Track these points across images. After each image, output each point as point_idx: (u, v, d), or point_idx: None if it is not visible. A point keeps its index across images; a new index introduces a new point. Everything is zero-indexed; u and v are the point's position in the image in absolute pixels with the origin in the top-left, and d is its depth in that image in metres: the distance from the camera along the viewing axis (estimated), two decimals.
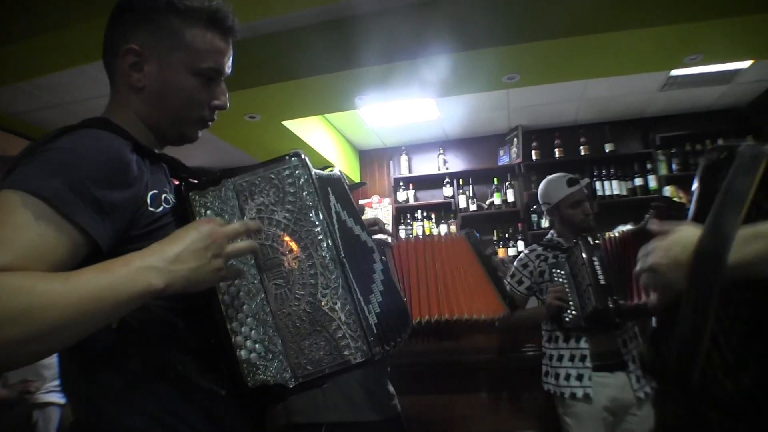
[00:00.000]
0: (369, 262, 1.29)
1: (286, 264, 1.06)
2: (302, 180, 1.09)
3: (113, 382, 0.99)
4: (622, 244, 2.47)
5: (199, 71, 1.13)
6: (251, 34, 3.79)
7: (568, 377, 2.58)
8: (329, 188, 1.19)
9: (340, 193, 1.25)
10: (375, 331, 1.09)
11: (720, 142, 5.58)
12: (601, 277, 2.41)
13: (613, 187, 5.71)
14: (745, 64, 4.72)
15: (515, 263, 2.92)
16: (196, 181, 1.09)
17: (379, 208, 6.11)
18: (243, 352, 1.01)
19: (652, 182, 5.67)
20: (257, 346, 1.02)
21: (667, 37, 3.55)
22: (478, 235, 2.27)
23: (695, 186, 1.05)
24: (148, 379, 1.00)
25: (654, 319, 1.07)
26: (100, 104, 1.15)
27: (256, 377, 1.01)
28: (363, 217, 1.39)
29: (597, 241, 2.50)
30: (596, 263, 2.44)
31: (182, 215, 1.05)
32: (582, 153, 5.91)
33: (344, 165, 5.89)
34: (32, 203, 0.86)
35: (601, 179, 5.74)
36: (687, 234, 0.96)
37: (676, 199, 2.51)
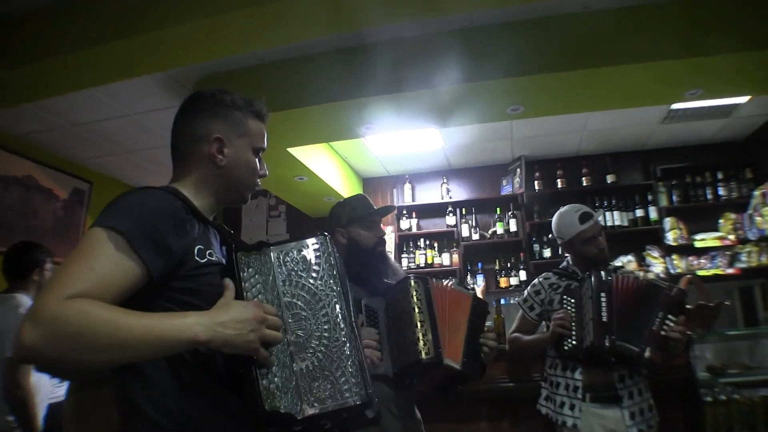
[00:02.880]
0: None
1: (306, 318, 1.31)
2: (326, 254, 1.37)
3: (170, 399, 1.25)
4: (634, 289, 2.49)
5: (256, 150, 1.53)
6: (259, 62, 3.87)
7: (562, 405, 2.60)
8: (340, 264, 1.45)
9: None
10: (369, 390, 1.32)
11: (719, 174, 5.67)
12: (604, 314, 2.42)
13: (614, 218, 5.77)
14: (744, 98, 4.80)
15: (528, 288, 2.92)
16: (243, 243, 1.37)
17: None
18: (264, 382, 1.23)
19: (653, 213, 5.73)
20: (276, 379, 1.24)
21: (668, 72, 3.61)
22: (486, 303, 2.31)
23: None
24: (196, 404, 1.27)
25: None
26: (102, 126, 1.37)
27: (272, 403, 1.22)
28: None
29: (609, 278, 2.50)
30: (603, 299, 2.44)
31: (230, 268, 1.32)
32: (584, 183, 5.98)
33: (348, 192, 5.93)
34: (113, 237, 1.18)
35: (603, 210, 5.80)
36: None
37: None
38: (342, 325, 1.31)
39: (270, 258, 1.34)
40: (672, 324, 2.35)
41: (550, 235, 5.46)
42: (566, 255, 2.93)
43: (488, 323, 2.46)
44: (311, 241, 1.37)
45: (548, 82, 3.69)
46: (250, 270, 1.32)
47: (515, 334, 2.88)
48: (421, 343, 1.99)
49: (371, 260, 2.37)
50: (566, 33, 3.58)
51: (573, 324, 2.55)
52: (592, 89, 3.83)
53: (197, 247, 1.31)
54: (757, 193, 5.26)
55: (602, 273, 2.53)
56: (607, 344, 2.37)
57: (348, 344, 1.30)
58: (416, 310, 2.07)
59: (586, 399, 2.55)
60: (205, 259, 1.32)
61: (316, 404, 1.24)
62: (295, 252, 1.35)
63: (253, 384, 1.22)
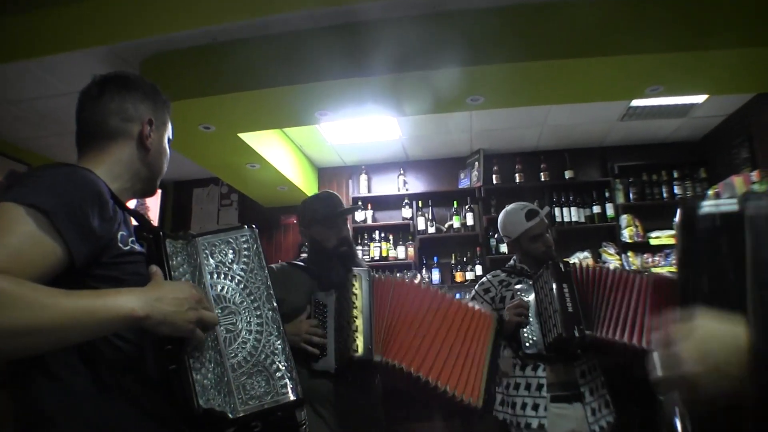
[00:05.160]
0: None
1: (236, 313, 1.26)
2: (254, 248, 1.35)
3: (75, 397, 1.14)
4: (592, 277, 2.46)
5: (169, 141, 1.54)
6: (211, 41, 3.68)
7: (524, 406, 2.52)
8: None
9: None
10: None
11: (675, 173, 5.72)
12: (569, 304, 2.36)
13: (571, 214, 5.78)
14: (701, 99, 4.87)
15: (477, 287, 2.86)
16: (171, 233, 1.32)
17: None
18: (198, 376, 1.16)
19: (610, 210, 5.76)
20: (209, 375, 1.18)
21: (630, 67, 3.59)
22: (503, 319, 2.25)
23: (678, 252, 0.92)
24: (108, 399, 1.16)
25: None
26: (42, 105, 1.24)
27: (207, 401, 1.14)
28: None
29: (568, 269, 2.47)
30: (566, 290, 2.40)
31: (157, 256, 1.25)
32: (542, 179, 5.97)
33: (302, 182, 5.78)
34: (33, 214, 1.06)
35: (560, 206, 5.81)
36: (713, 329, 0.78)
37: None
38: (272, 320, 1.28)
39: (197, 249, 1.30)
40: None
41: None
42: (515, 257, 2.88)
43: None
44: (240, 233, 1.35)
45: (509, 72, 3.61)
46: (178, 259, 1.28)
47: None
48: (356, 339, 1.91)
49: (333, 260, 2.30)
50: (529, 23, 3.51)
51: (531, 319, 2.49)
52: (554, 82, 3.77)
53: (120, 234, 1.24)
54: (710, 192, 5.33)
55: (560, 264, 2.49)
56: (577, 334, 2.30)
57: (280, 339, 1.27)
58: (354, 304, 1.99)
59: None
60: (128, 247, 1.25)
61: (251, 402, 1.18)
62: (223, 244, 1.33)
63: (186, 379, 1.14)
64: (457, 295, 5.33)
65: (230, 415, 1.15)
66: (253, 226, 1.38)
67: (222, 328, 1.23)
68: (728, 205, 0.85)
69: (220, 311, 1.24)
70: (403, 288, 2.15)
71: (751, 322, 0.74)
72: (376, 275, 2.13)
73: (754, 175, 4.71)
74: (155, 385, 1.20)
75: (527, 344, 2.48)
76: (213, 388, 1.17)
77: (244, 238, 1.34)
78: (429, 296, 2.18)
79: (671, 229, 5.61)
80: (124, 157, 1.39)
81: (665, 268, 5.40)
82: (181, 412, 1.15)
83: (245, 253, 1.32)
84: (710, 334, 0.79)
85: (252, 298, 1.28)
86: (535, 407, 2.49)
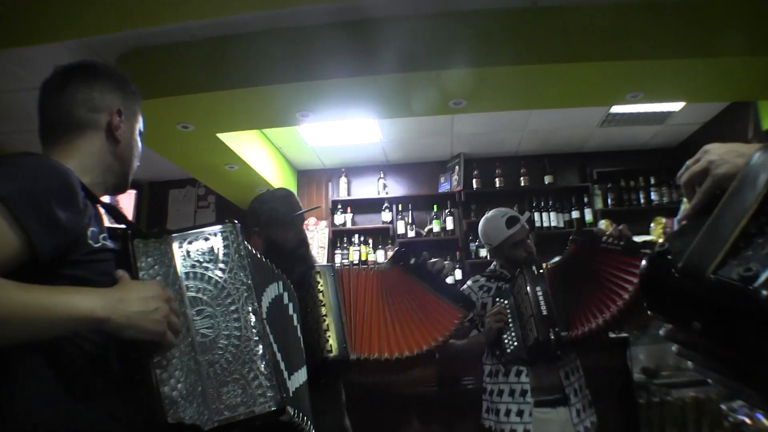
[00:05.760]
0: (300, 347, 1.57)
1: (211, 315, 1.17)
2: (235, 244, 1.26)
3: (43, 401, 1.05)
4: (564, 274, 2.45)
5: (140, 133, 1.47)
6: (190, 38, 3.62)
7: (508, 413, 2.50)
8: (264, 268, 1.41)
9: (288, 288, 1.60)
10: (290, 393, 1.28)
11: (652, 179, 5.80)
12: (543, 307, 2.36)
13: (550, 219, 5.81)
14: (678, 106, 4.94)
15: None
16: (141, 230, 1.24)
17: (315, 231, 5.97)
18: (166, 389, 1.09)
19: (588, 215, 5.80)
20: (180, 385, 1.10)
21: (611, 73, 3.61)
22: (403, 249, 2.18)
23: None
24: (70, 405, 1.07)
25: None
26: (14, 99, 1.16)
27: (176, 414, 1.08)
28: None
29: (541, 271, 2.47)
30: (539, 293, 2.40)
31: (125, 257, 1.17)
32: (522, 184, 5.99)
33: (281, 184, 5.72)
34: None
35: (539, 210, 5.83)
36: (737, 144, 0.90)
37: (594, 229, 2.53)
38: (253, 323, 1.19)
39: (172, 247, 1.22)
40: (612, 240, 2.28)
41: None
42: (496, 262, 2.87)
43: None
44: (218, 229, 1.27)
45: (492, 76, 3.62)
46: (148, 260, 1.19)
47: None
48: (328, 339, 1.86)
49: (290, 263, 2.15)
50: (513, 28, 3.51)
51: (510, 324, 2.48)
52: (537, 86, 3.78)
53: (91, 229, 1.15)
54: (686, 199, 5.36)
55: (533, 268, 2.48)
56: (552, 336, 2.30)
57: (261, 343, 1.19)
58: (322, 302, 1.93)
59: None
60: (100, 244, 1.16)
61: (226, 412, 1.11)
62: (200, 241, 1.24)
63: (152, 391, 1.08)
64: None
65: (203, 427, 1.09)
66: (235, 221, 1.29)
67: (198, 333, 1.15)
68: None
69: (195, 314, 1.17)
70: (365, 278, 2.10)
71: None
72: (338, 267, 2.08)
73: None
74: (126, 389, 1.13)
75: (508, 350, 2.47)
76: (184, 399, 1.10)
77: (223, 235, 1.26)
78: (394, 279, 2.13)
79: (648, 234, 5.67)
80: (94, 149, 1.32)
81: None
82: (151, 424, 1.09)
83: (224, 251, 1.23)
84: (740, 144, 0.91)
85: (230, 300, 1.19)
86: (520, 413, 2.47)
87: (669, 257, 0.82)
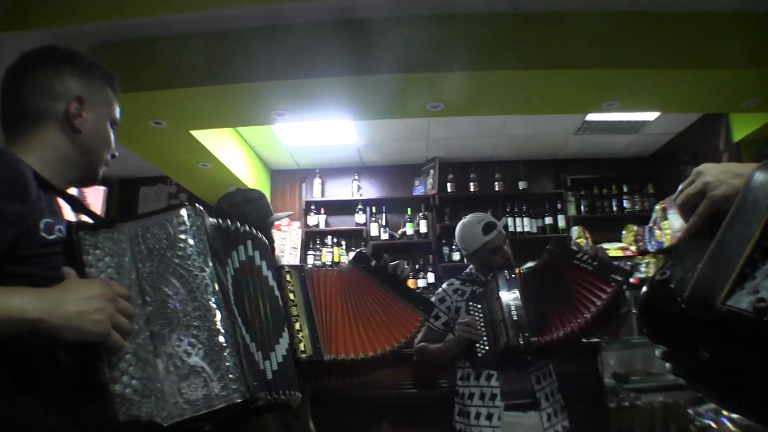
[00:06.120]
0: (280, 317, 1.45)
1: (171, 305, 1.10)
2: (194, 229, 1.16)
3: None
4: (536, 282, 2.45)
5: (113, 122, 1.38)
6: (166, 33, 3.55)
7: (478, 416, 2.49)
8: (229, 237, 1.30)
9: (260, 245, 1.43)
10: (267, 377, 1.20)
11: (625, 187, 5.87)
12: (514, 312, 2.36)
13: (524, 224, 5.84)
14: (652, 116, 5.01)
15: (433, 298, 2.82)
16: (88, 222, 1.16)
17: (288, 232, 5.91)
18: (118, 387, 1.03)
19: (561, 222, 5.86)
20: (134, 382, 1.04)
21: (589, 81, 3.65)
22: (363, 251, 2.16)
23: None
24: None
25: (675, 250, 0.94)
26: None
27: (128, 412, 1.02)
28: None
29: (513, 276, 2.46)
30: (510, 298, 2.39)
31: (71, 253, 1.09)
32: (496, 189, 6.02)
33: (255, 184, 5.66)
34: None
35: (513, 216, 5.86)
36: (734, 164, 0.89)
37: (574, 246, 2.53)
38: (215, 312, 1.11)
39: (126, 236, 1.13)
40: (586, 258, 2.28)
41: None
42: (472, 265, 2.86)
43: None
44: (178, 214, 1.17)
45: (471, 80, 3.63)
46: (97, 252, 1.11)
47: (422, 344, 2.76)
48: (301, 339, 1.82)
49: None
50: (493, 32, 3.53)
51: (482, 328, 2.47)
52: (515, 92, 3.80)
53: (44, 221, 1.10)
54: (657, 207, 5.46)
55: (506, 272, 2.48)
56: (521, 342, 2.29)
57: (224, 333, 1.11)
58: (293, 302, 1.89)
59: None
60: (54, 236, 1.11)
61: (186, 406, 1.05)
62: (157, 228, 1.15)
63: (104, 390, 1.01)
64: None
65: (161, 423, 1.03)
66: (196, 204, 1.20)
67: (156, 324, 1.09)
68: None
69: (154, 306, 1.10)
70: (331, 278, 2.07)
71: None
72: (308, 267, 2.06)
73: None
74: (79, 387, 1.08)
75: (479, 354, 2.46)
76: (140, 395, 1.04)
77: (182, 219, 1.16)
78: (355, 280, 2.11)
79: (619, 241, 5.74)
80: (52, 140, 1.26)
81: None
82: (107, 419, 1.03)
83: (182, 236, 1.14)
84: (734, 163, 0.90)
85: (190, 287, 1.12)
86: (489, 417, 2.46)
87: (671, 285, 0.82)
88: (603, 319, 2.24)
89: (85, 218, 1.26)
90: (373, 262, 2.11)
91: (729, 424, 2.73)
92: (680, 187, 0.95)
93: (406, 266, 2.14)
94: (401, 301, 2.05)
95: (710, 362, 0.79)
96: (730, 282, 0.74)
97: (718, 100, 4.13)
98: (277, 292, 1.44)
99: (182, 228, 1.15)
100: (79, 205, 1.24)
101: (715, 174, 0.88)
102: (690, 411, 2.94)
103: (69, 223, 1.15)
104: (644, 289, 0.85)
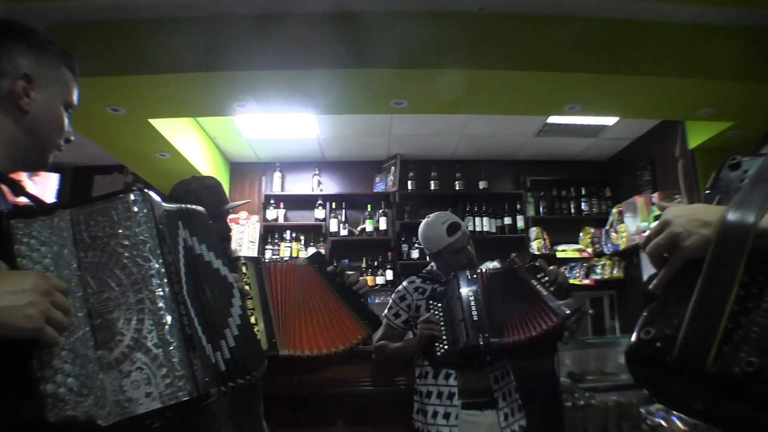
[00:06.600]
0: (228, 297, 1.33)
1: (115, 298, 1.04)
2: (141, 215, 1.09)
3: None
4: (498, 281, 2.46)
5: (67, 104, 1.29)
6: (127, 17, 3.45)
7: (435, 415, 2.49)
8: (180, 222, 1.22)
9: (200, 227, 1.30)
10: (221, 369, 1.13)
11: (583, 190, 5.97)
12: (474, 312, 2.36)
13: (483, 224, 5.88)
14: (611, 121, 5.09)
15: (393, 295, 2.82)
16: (22, 209, 1.07)
17: (246, 225, 5.83)
18: (50, 386, 0.96)
19: (520, 222, 5.92)
20: (69, 380, 0.97)
21: (552, 84, 3.69)
22: (321, 253, 2.14)
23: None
24: None
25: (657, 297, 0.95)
26: None
27: (61, 413, 0.95)
28: None
29: (474, 276, 2.47)
30: (471, 298, 2.40)
31: (2, 242, 1.00)
32: (457, 188, 6.04)
33: (213, 176, 5.55)
34: None
35: (473, 215, 5.90)
36: (705, 204, 0.91)
37: (538, 263, 2.58)
38: (161, 304, 1.04)
39: (67, 223, 1.05)
40: (548, 278, 2.34)
41: None
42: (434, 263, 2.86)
43: None
44: (124, 200, 1.08)
45: (436, 78, 3.62)
46: (32, 241, 1.03)
47: (381, 342, 2.76)
48: (257, 334, 1.77)
49: None
50: (459, 31, 3.53)
51: (442, 327, 2.46)
52: (479, 91, 3.80)
53: None
54: (614, 210, 5.57)
55: (467, 272, 2.48)
56: (481, 342, 2.29)
57: (171, 326, 1.04)
58: (248, 295, 1.84)
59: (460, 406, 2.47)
60: None
61: (127, 405, 0.98)
62: (101, 215, 1.06)
63: (34, 389, 0.94)
64: (369, 300, 5.37)
65: (101, 423, 0.97)
66: (145, 189, 1.11)
67: (98, 318, 1.02)
68: None
69: (95, 298, 1.02)
70: (286, 272, 2.04)
71: (736, 196, 0.86)
72: (264, 260, 2.01)
73: (655, 197, 4.97)
74: (7, 387, 1.00)
75: (438, 353, 2.45)
76: (76, 394, 0.97)
77: (127, 206, 1.08)
78: (308, 277, 2.07)
79: (577, 243, 5.84)
80: None
81: (570, 280, 5.58)
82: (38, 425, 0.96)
83: (127, 224, 1.07)
84: (693, 205, 0.92)
85: (134, 278, 1.04)
86: (446, 416, 2.46)
87: (658, 344, 0.84)
88: (540, 344, 2.31)
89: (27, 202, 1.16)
90: (329, 267, 2.09)
91: (679, 423, 2.80)
92: (647, 233, 0.96)
93: (361, 278, 2.12)
94: (349, 311, 2.03)
95: (704, 412, 0.82)
96: (716, 343, 0.77)
97: (675, 108, 4.24)
98: (222, 274, 1.34)
99: (129, 215, 1.08)
100: (18, 189, 1.16)
101: (683, 224, 0.88)
102: (642, 410, 3.00)
103: (0, 210, 1.06)
104: (631, 344, 0.87)
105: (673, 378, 0.83)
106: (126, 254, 1.05)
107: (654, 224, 0.94)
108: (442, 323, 2.47)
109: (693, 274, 0.84)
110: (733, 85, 3.70)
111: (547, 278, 2.33)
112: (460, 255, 2.67)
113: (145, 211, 1.09)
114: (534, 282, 2.34)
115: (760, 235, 0.80)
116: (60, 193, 5.88)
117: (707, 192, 0.97)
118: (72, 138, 1.32)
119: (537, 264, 2.41)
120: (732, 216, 0.82)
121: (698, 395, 0.82)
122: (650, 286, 0.93)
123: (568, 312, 2.21)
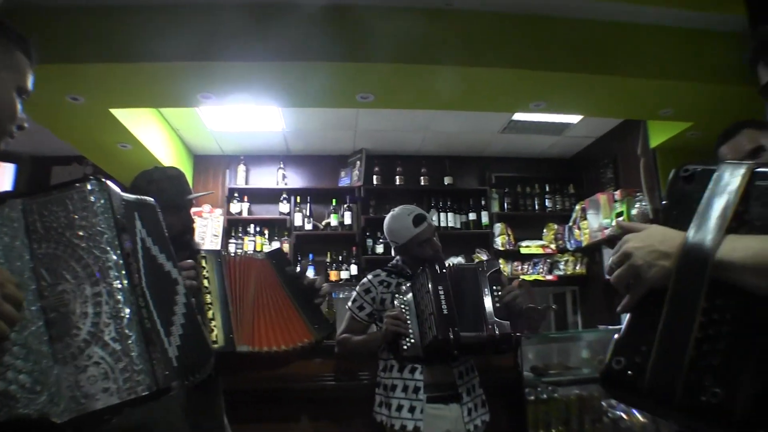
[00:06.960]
0: (171, 294, 1.28)
1: (70, 291, 0.99)
2: (98, 205, 1.05)
3: None
4: (464, 276, 2.47)
5: (21, 90, 1.24)
6: (86, 3, 3.36)
7: (400, 408, 2.48)
8: (137, 214, 1.19)
9: (150, 220, 1.26)
10: (173, 365, 1.08)
11: (547, 187, 6.02)
12: (444, 306, 2.36)
13: (448, 219, 5.91)
14: (575, 119, 5.15)
15: (357, 288, 2.79)
16: None
17: (210, 219, 5.74)
18: (0, 384, 0.92)
19: (485, 218, 5.96)
20: (21, 377, 0.93)
21: (518, 80, 3.72)
22: (281, 251, 2.11)
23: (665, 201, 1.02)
24: None
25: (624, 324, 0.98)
26: None
27: (12, 411, 0.91)
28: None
29: (444, 270, 2.46)
30: (441, 292, 2.39)
31: None
32: (422, 183, 6.05)
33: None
34: None
35: (438, 210, 5.91)
36: (662, 229, 0.93)
37: (503, 275, 2.69)
38: (119, 296, 1.00)
39: (16, 214, 1.02)
40: (500, 293, 2.39)
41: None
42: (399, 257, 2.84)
43: None
44: (80, 190, 1.04)
45: (401, 73, 3.62)
46: None
47: (345, 335, 2.73)
48: (213, 329, 1.73)
49: (176, 248, 2.03)
50: (425, 27, 3.52)
51: (409, 321, 2.45)
52: (444, 87, 3.81)
53: None
54: (577, 207, 5.65)
55: (437, 266, 2.48)
56: (451, 336, 2.29)
57: (129, 320, 1.00)
58: (207, 289, 1.80)
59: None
60: None
61: (84, 401, 0.94)
62: (56, 205, 1.03)
63: None
64: (333, 295, 5.35)
65: (56, 420, 0.93)
66: (102, 179, 1.08)
67: (52, 311, 0.98)
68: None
69: (49, 291, 0.99)
70: (245, 265, 2.00)
71: (693, 223, 0.89)
72: (224, 253, 1.97)
73: (617, 194, 5.05)
74: None
75: (405, 347, 2.44)
76: (29, 391, 0.93)
77: (83, 196, 1.04)
78: (264, 272, 2.04)
79: (540, 239, 5.90)
80: None
81: (533, 276, 5.67)
82: None
83: (83, 214, 1.03)
84: (653, 230, 0.94)
85: (91, 271, 1.01)
86: (411, 410, 2.45)
87: (629, 373, 0.87)
88: (480, 352, 2.45)
89: None
90: (289, 267, 2.06)
91: (639, 416, 2.84)
92: (610, 262, 0.99)
93: (324, 284, 2.09)
94: (299, 313, 2.00)
95: (685, 428, 0.88)
96: (683, 374, 0.81)
97: (637, 107, 4.32)
98: (166, 270, 1.30)
99: (85, 205, 1.04)
100: None
101: (642, 256, 0.91)
102: (603, 403, 3.04)
103: None
104: (603, 372, 0.90)
105: (648, 402, 0.87)
106: (82, 245, 1.02)
107: (614, 256, 0.97)
108: (408, 320, 2.46)
109: (658, 299, 0.87)
110: (693, 86, 3.79)
111: (502, 292, 2.38)
112: (426, 246, 2.66)
113: (103, 201, 1.05)
114: (487, 291, 2.38)
115: (716, 266, 0.83)
116: (16, 184, 5.70)
117: (664, 203, 1.00)
118: (26, 125, 1.27)
119: (498, 275, 2.45)
120: (690, 246, 0.86)
121: (674, 418, 0.88)
122: (618, 309, 0.96)
123: (497, 332, 2.28)
